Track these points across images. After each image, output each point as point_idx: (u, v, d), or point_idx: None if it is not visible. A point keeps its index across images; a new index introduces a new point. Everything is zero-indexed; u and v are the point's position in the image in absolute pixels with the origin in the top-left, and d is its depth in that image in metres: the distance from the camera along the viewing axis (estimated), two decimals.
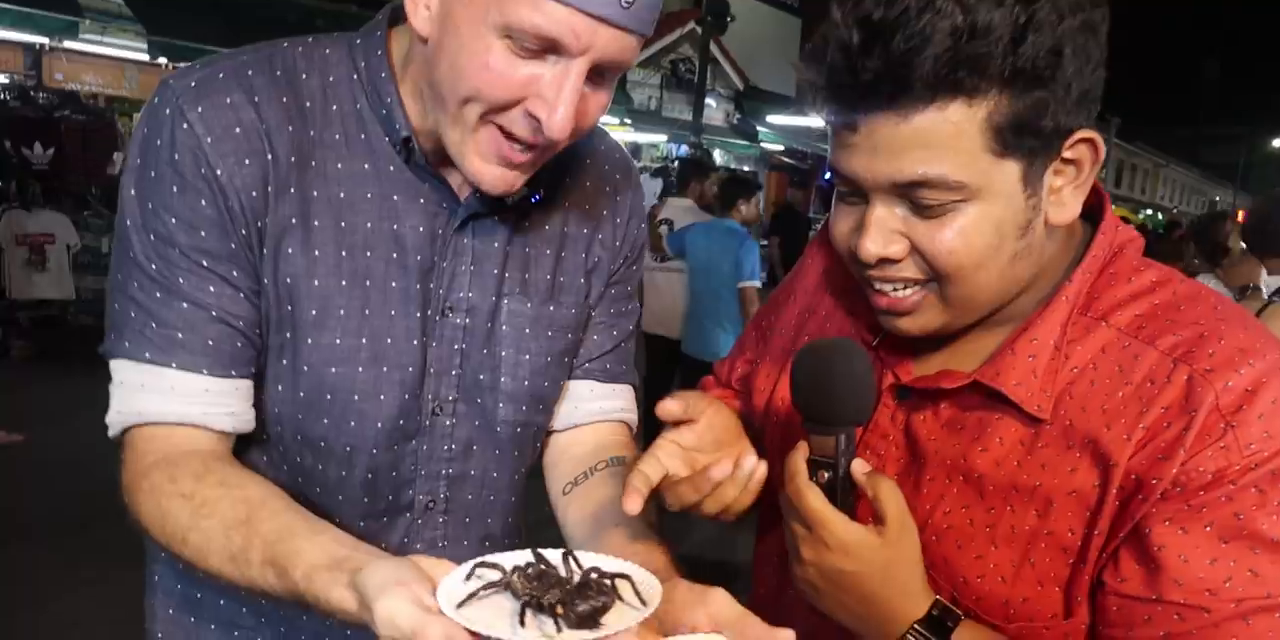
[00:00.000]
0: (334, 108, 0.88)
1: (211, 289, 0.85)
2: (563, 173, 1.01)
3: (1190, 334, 0.72)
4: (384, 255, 0.90)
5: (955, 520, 0.79)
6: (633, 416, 1.12)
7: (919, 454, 0.83)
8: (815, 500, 0.73)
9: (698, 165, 6.08)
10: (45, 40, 8.08)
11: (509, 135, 0.81)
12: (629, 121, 13.12)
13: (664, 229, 5.23)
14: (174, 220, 0.83)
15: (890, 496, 0.73)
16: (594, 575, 0.66)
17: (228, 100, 0.83)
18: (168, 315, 0.85)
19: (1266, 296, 2.91)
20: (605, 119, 0.95)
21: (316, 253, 0.88)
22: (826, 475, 0.76)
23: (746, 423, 0.96)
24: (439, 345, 0.95)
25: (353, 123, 0.89)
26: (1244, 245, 3.50)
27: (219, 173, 0.83)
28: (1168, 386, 0.70)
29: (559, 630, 0.61)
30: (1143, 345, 0.73)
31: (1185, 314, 0.74)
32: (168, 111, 0.83)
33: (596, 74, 0.80)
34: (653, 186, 13.28)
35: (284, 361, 0.90)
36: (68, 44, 8.20)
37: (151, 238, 0.84)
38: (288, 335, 0.89)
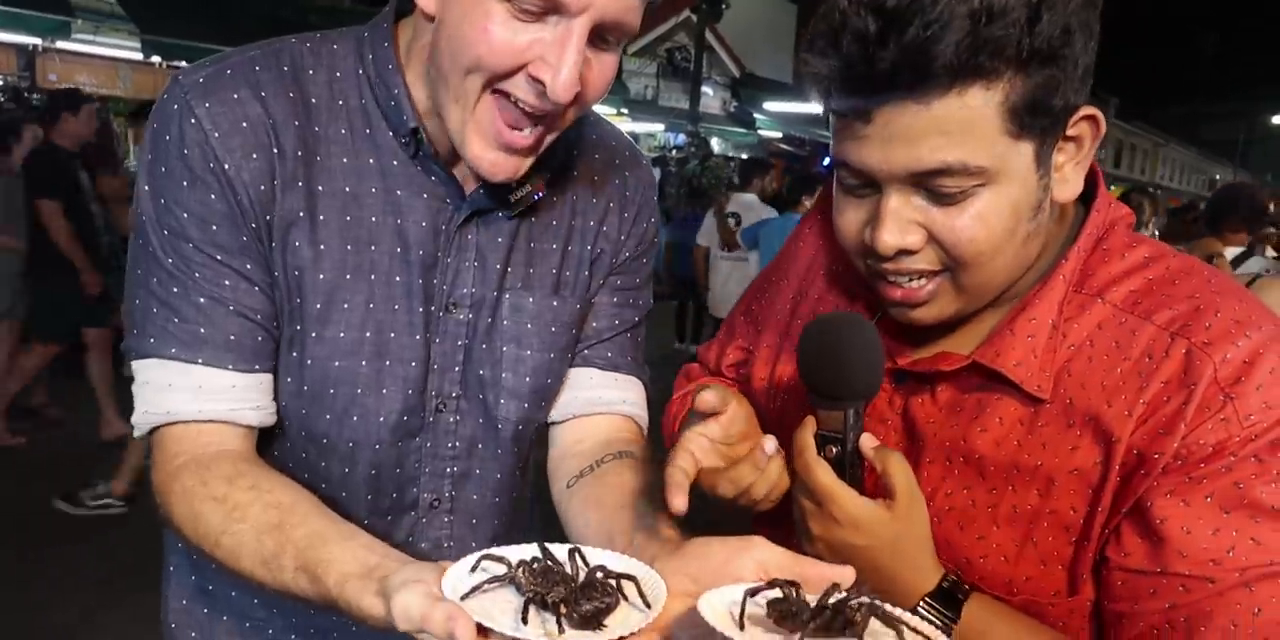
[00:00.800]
0: (340, 103, 0.88)
1: (227, 283, 0.86)
2: (570, 166, 0.99)
3: (1186, 308, 0.72)
4: (388, 249, 0.90)
5: (956, 502, 0.79)
6: (639, 412, 1.07)
7: (918, 437, 0.83)
8: (824, 475, 0.73)
9: (758, 164, 6.80)
10: (38, 41, 8.07)
11: (515, 102, 0.80)
12: (626, 111, 13.09)
13: (732, 221, 6.20)
14: (186, 214, 0.84)
15: (899, 470, 0.73)
16: (599, 574, 0.64)
17: (235, 95, 0.83)
18: (188, 310, 0.85)
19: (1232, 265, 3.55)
20: (602, 109, 0.94)
21: (322, 247, 0.88)
22: (835, 450, 0.75)
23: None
24: (442, 341, 0.94)
25: (359, 118, 0.89)
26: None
27: (226, 167, 0.83)
28: (1166, 361, 0.71)
29: (561, 631, 0.59)
30: (1139, 320, 0.74)
31: (1180, 288, 0.74)
32: (175, 107, 0.83)
33: (600, 38, 0.79)
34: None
35: (293, 354, 0.90)
36: (60, 44, 8.19)
37: (165, 232, 0.84)
38: (297, 328, 0.90)
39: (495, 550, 0.66)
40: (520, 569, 0.63)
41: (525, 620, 0.60)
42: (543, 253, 0.98)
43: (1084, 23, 0.68)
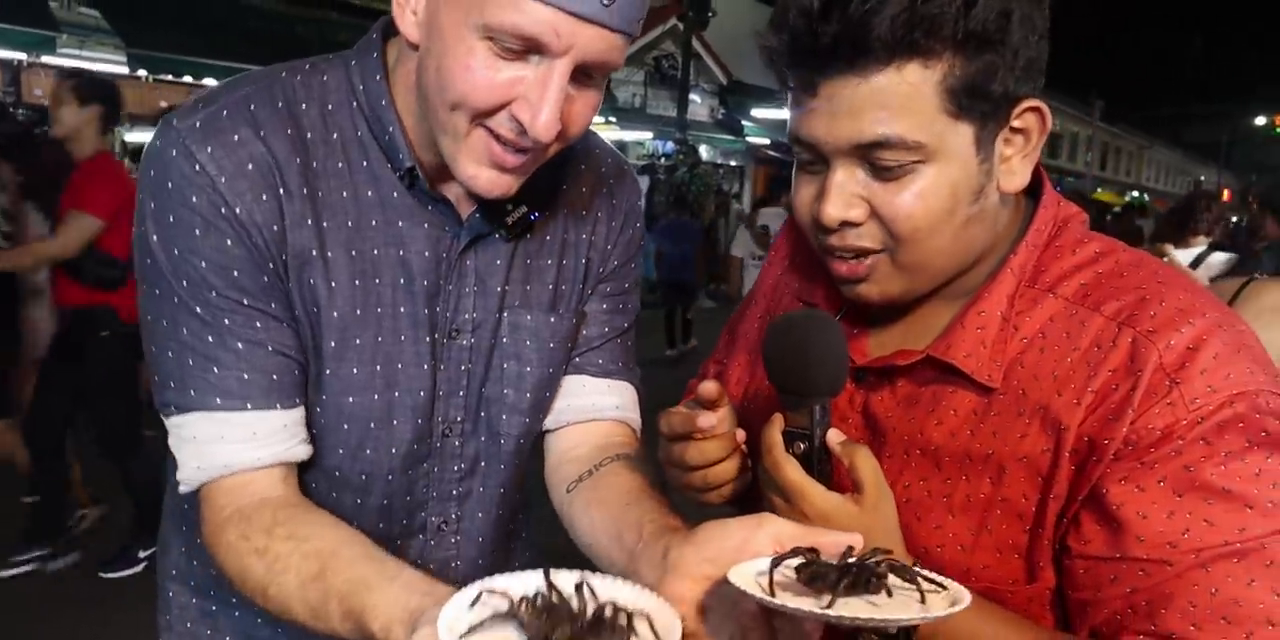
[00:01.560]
0: (334, 136, 0.87)
1: (259, 324, 0.85)
2: (559, 181, 1.00)
3: (1133, 298, 0.75)
4: (391, 281, 0.90)
5: (914, 493, 0.81)
6: (633, 415, 1.09)
7: (879, 432, 0.84)
8: (793, 471, 0.74)
9: (784, 182, 8.02)
10: (23, 56, 8.04)
11: (498, 138, 0.80)
12: (614, 119, 13.12)
13: (761, 229, 7.49)
14: (204, 263, 0.82)
15: (866, 464, 0.74)
16: (609, 611, 0.61)
17: (235, 137, 0.82)
18: (227, 358, 0.84)
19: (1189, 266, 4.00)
20: None
21: (334, 283, 0.87)
22: (802, 446, 0.76)
23: None
24: (446, 367, 0.95)
25: (355, 150, 0.88)
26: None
27: (238, 211, 0.82)
28: (1113, 350, 0.73)
29: None
30: (1089, 312, 0.76)
31: (1127, 280, 0.77)
32: (175, 153, 0.81)
33: (584, 75, 0.79)
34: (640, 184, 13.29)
35: (309, 392, 0.90)
36: (46, 59, 8.16)
37: (185, 283, 0.82)
38: (313, 366, 0.89)
39: (497, 582, 0.63)
40: (523, 605, 0.60)
41: None
42: (539, 269, 0.99)
43: (1026, 15, 0.71)
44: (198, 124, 0.82)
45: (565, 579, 0.64)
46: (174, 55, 8.07)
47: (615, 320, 1.07)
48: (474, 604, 0.62)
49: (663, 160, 14.07)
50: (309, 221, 0.85)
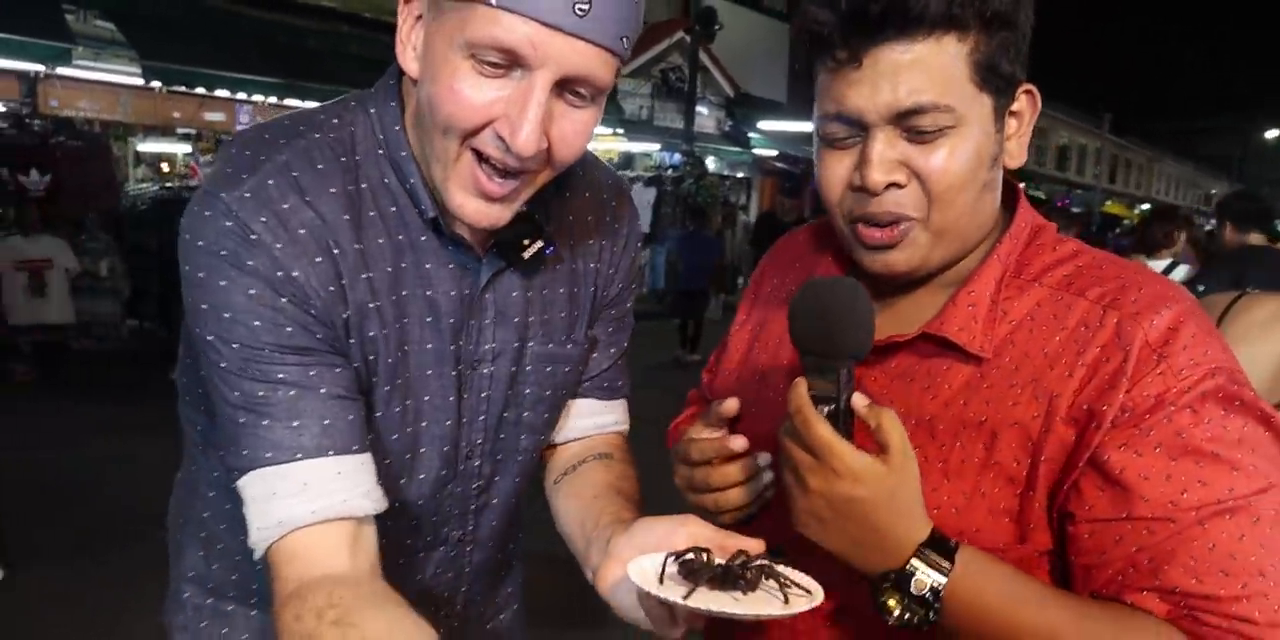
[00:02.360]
0: (364, 186, 0.89)
1: (312, 373, 0.84)
2: (565, 210, 1.03)
3: (1114, 285, 0.82)
4: (419, 319, 0.92)
5: None
6: (625, 425, 1.16)
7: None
8: (825, 430, 0.75)
9: (816, 195, 8.61)
10: (40, 68, 8.12)
11: (485, 159, 0.81)
12: (621, 131, 13.16)
13: None
14: (258, 323, 0.82)
15: (893, 426, 0.76)
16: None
17: (285, 205, 0.83)
18: (277, 410, 0.82)
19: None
20: (599, 129, 0.96)
21: (385, 330, 0.90)
22: (827, 409, 0.77)
23: None
24: (469, 396, 0.98)
25: (384, 197, 0.89)
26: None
27: (295, 274, 0.83)
28: (1100, 329, 0.80)
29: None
30: (1074, 296, 0.83)
31: (1107, 271, 0.85)
32: (229, 224, 0.81)
33: (572, 93, 0.80)
34: (646, 196, 13.31)
35: None
36: (62, 71, 8.24)
37: (236, 346, 0.82)
38: (365, 409, 0.90)
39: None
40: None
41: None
42: (552, 300, 1.02)
43: (1028, 3, 0.81)
44: (247, 195, 0.82)
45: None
46: (188, 67, 8.15)
47: (618, 339, 1.12)
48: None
49: (670, 172, 14.11)
50: (363, 275, 0.87)
